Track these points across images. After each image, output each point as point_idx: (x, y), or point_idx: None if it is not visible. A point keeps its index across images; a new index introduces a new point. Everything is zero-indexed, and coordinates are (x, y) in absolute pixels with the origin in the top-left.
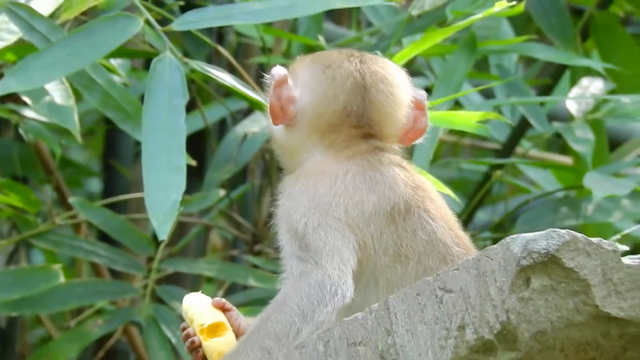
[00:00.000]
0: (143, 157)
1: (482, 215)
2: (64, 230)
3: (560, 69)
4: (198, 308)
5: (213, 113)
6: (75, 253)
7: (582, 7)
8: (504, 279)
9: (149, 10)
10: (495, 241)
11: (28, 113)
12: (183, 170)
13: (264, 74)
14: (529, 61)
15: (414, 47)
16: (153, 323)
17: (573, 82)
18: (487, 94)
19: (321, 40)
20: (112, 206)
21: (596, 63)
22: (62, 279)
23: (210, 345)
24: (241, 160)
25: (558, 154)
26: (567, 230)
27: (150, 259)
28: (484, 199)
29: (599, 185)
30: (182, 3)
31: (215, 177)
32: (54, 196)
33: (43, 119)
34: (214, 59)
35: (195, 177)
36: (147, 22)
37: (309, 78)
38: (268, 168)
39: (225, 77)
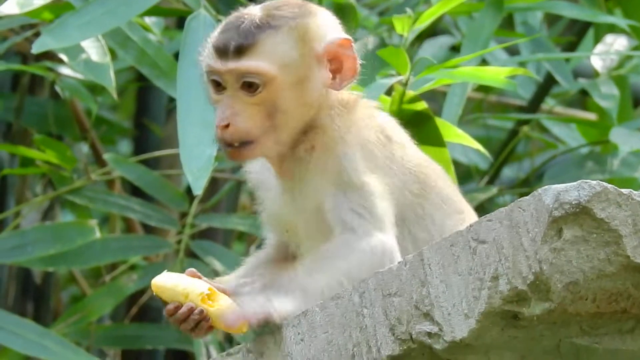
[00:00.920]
0: (178, 113)
1: (508, 172)
2: (98, 186)
3: (584, 27)
4: (184, 282)
5: None
6: (110, 208)
7: None
8: (536, 229)
9: None
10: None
11: (64, 71)
12: None
13: None
14: (552, 20)
15: (441, 5)
16: None
17: (597, 39)
18: (512, 52)
19: None
20: (144, 164)
21: (620, 20)
22: (97, 235)
23: (217, 310)
24: None
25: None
26: (598, 181)
27: (183, 215)
28: (509, 157)
29: (625, 140)
30: None
31: None
32: (89, 153)
33: (79, 76)
34: None
35: None
36: None
37: None
38: None
39: None
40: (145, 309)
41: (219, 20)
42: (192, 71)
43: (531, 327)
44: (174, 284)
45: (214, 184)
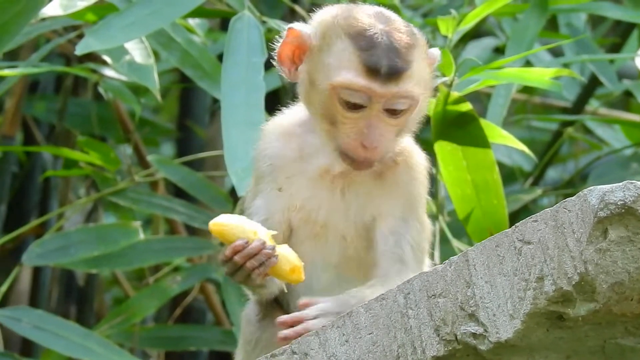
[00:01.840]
0: (222, 114)
1: (552, 173)
2: (141, 188)
3: (628, 28)
4: (248, 222)
5: None
6: (153, 210)
7: None
8: (581, 230)
9: None
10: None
11: (107, 72)
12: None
13: None
14: (596, 21)
15: (485, 6)
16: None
17: None
18: (557, 54)
19: None
20: (188, 165)
21: None
22: (141, 236)
23: (284, 252)
24: None
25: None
26: None
27: None
28: (553, 158)
29: None
30: None
31: None
32: (132, 155)
33: (123, 77)
34: (288, 18)
35: None
36: None
37: None
38: None
39: None
40: (189, 310)
41: (263, 22)
42: (237, 72)
43: (576, 327)
44: (241, 224)
45: None
